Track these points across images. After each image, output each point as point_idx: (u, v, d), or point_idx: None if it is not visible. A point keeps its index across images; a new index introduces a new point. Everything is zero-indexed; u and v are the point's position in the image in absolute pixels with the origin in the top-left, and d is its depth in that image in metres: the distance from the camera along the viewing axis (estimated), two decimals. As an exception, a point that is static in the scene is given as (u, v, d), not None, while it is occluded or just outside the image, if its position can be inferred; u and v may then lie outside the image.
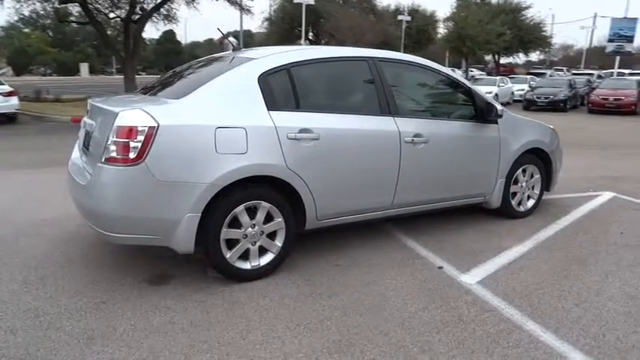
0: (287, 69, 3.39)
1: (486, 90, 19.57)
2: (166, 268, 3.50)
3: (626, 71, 27.23)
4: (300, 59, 3.46)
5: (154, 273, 3.42)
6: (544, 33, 33.75)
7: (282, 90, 3.35)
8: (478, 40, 24.31)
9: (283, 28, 39.42)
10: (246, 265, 3.28)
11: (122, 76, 19.53)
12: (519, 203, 4.74)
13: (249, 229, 3.23)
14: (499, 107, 4.18)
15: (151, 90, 3.87)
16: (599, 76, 25.78)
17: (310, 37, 39.69)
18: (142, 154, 2.86)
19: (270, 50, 3.63)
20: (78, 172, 3.39)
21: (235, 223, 3.18)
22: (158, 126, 2.88)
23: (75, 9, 19.16)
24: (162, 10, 19.60)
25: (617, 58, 26.03)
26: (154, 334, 2.67)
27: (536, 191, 4.85)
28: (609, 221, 4.78)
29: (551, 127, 5.00)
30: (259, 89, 3.25)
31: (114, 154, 2.92)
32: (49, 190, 5.52)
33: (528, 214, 4.82)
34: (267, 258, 3.35)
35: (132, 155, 2.87)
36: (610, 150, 9.73)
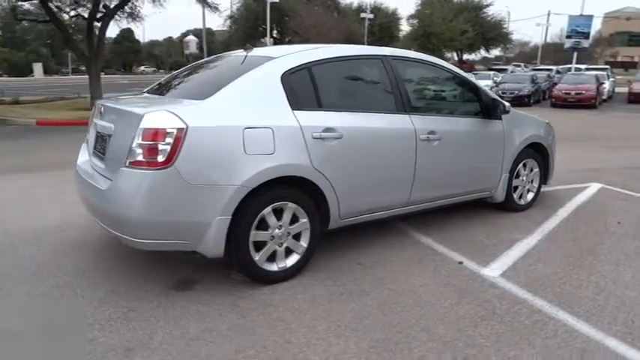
0: (308, 68, 3.36)
1: (453, 86, 19.97)
2: (186, 272, 3.41)
3: (582, 66, 28.37)
4: (319, 58, 3.44)
5: (175, 278, 3.32)
6: (504, 30, 34.79)
7: (304, 89, 3.32)
8: (443, 37, 24.80)
9: (247, 26, 39.03)
10: (274, 267, 3.24)
11: (80, 77, 18.88)
12: (520, 197, 4.87)
13: (276, 230, 3.19)
14: (506, 104, 4.27)
15: (159, 90, 3.76)
16: (558, 72, 26.75)
17: (274, 35, 39.46)
18: (171, 157, 2.77)
19: (286, 49, 3.59)
20: (92, 176, 3.25)
21: (262, 225, 3.13)
22: (187, 127, 2.80)
23: (33, 5, 18.41)
24: (125, 8, 19.07)
25: (575, 54, 27.11)
26: (194, 342, 2.60)
27: (535, 184, 5.00)
28: (604, 212, 4.97)
29: (547, 121, 5.15)
30: (282, 88, 3.21)
31: (140, 158, 2.82)
32: (31, 197, 5.30)
33: (528, 207, 4.96)
34: (293, 259, 3.32)
35: (160, 158, 2.78)
36: (583, 142, 10.10)
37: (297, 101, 3.24)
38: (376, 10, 46.11)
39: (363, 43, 42.26)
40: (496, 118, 4.35)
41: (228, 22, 41.04)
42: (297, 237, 3.32)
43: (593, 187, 5.92)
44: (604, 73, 22.90)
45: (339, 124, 3.35)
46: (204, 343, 2.59)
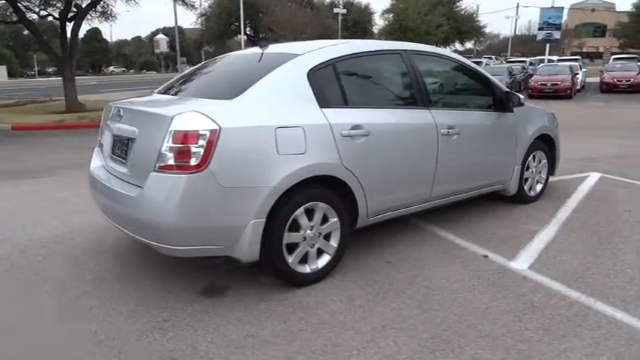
0: (332, 64, 3.29)
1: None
2: (212, 278, 3.31)
3: (554, 58, 28.98)
4: (343, 54, 3.38)
5: (202, 285, 3.22)
6: (477, 23, 35.27)
7: (329, 86, 3.25)
8: (419, 31, 24.97)
9: (220, 24, 38.49)
10: (306, 269, 3.17)
11: (47, 79, 18.36)
12: (530, 188, 4.90)
13: (308, 231, 3.11)
14: (521, 96, 4.28)
15: (171, 91, 3.63)
16: (531, 63, 27.25)
17: (248, 32, 39.03)
18: (205, 159, 2.67)
19: (308, 45, 3.50)
20: (113, 182, 3.11)
21: (295, 227, 3.05)
22: (220, 128, 2.70)
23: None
24: (97, 7, 18.60)
25: (548, 46, 27.66)
26: (240, 349, 2.51)
27: (544, 176, 5.04)
28: (611, 200, 5.05)
29: (552, 112, 5.20)
30: (309, 86, 3.13)
31: (171, 162, 2.70)
32: (26, 205, 5.09)
33: (537, 199, 5.00)
34: (324, 260, 3.25)
35: (193, 161, 2.67)
36: (566, 133, 10.17)
37: (324, 99, 3.16)
38: (349, 5, 46.16)
39: (338, 38, 42.34)
40: (509, 110, 4.36)
41: (200, 19, 40.39)
42: (327, 237, 3.25)
43: (593, 177, 6.02)
44: (577, 64, 23.42)
45: (366, 120, 3.30)
46: (251, 350, 2.51)
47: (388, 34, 26.72)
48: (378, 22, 39.69)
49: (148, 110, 3.01)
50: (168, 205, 2.69)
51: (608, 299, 3.00)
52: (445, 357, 2.44)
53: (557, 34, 26.74)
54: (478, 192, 4.36)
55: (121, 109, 3.15)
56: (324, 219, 3.20)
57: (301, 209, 3.04)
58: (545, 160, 4.98)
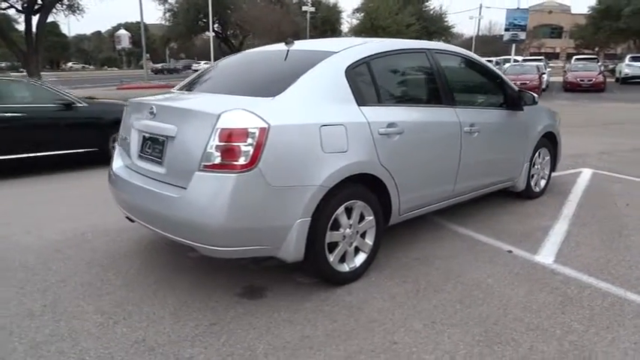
0: (367, 62, 3.29)
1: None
2: (247, 279, 3.26)
3: (519, 58, 29.85)
4: (376, 51, 3.38)
5: (240, 287, 3.16)
6: (446, 23, 35.94)
7: (365, 84, 3.25)
8: (390, 30, 25.22)
9: (187, 20, 37.82)
10: (345, 268, 3.16)
11: (5, 76, 17.86)
12: (535, 184, 5.04)
13: (347, 229, 3.10)
14: (535, 95, 4.40)
15: (199, 88, 3.55)
16: (497, 63, 27.97)
17: (216, 29, 38.52)
18: (254, 158, 2.62)
19: (339, 43, 3.49)
20: (147, 182, 3.01)
21: (335, 225, 3.04)
22: (269, 126, 2.65)
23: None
24: (64, -1, 18.01)
25: (514, 46, 28.47)
26: (299, 350, 2.48)
27: (547, 172, 5.20)
28: (609, 194, 5.26)
29: (553, 110, 5.36)
30: (347, 84, 3.12)
31: (218, 160, 2.64)
32: (27, 207, 4.87)
33: (541, 194, 5.15)
34: (361, 258, 3.26)
35: (243, 160, 2.62)
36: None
37: (361, 97, 3.16)
38: (317, 3, 46.21)
39: (307, 37, 42.28)
40: (520, 109, 4.47)
41: (167, 15, 39.58)
42: (363, 235, 3.26)
43: (586, 173, 6.24)
44: (542, 63, 24.21)
45: (400, 118, 3.31)
46: (310, 351, 2.48)
47: (360, 32, 26.86)
48: (347, 21, 39.89)
49: (189, 108, 2.93)
50: (216, 205, 2.63)
51: (637, 289, 3.12)
52: (503, 350, 2.49)
53: (522, 35, 27.57)
54: (492, 188, 4.46)
55: (154, 107, 3.05)
56: (361, 217, 3.20)
57: (342, 208, 3.03)
58: (548, 157, 5.14)
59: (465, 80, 4.30)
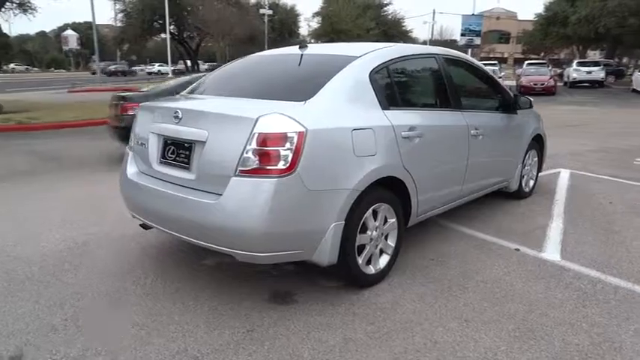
0: (386, 66, 3.35)
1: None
2: (273, 285, 3.24)
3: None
4: (393, 56, 3.45)
5: (267, 292, 3.14)
6: (404, 27, 36.71)
7: (386, 88, 3.30)
8: (351, 34, 25.52)
9: (142, 21, 36.77)
10: (371, 270, 3.20)
11: None
12: (525, 184, 5.25)
13: (374, 232, 3.14)
14: (531, 99, 4.59)
15: (212, 92, 3.50)
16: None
17: (172, 31, 37.62)
18: (294, 162, 2.61)
19: (357, 47, 3.52)
20: (174, 189, 2.94)
21: (363, 228, 3.07)
22: (307, 131, 2.66)
23: None
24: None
25: (470, 51, 29.44)
26: (346, 353, 2.50)
27: (534, 172, 5.42)
28: (591, 193, 5.54)
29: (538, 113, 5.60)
30: (372, 88, 3.16)
31: (255, 165, 2.62)
32: (10, 216, 4.64)
33: (530, 194, 5.36)
34: (385, 260, 3.30)
35: (282, 165, 2.61)
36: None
37: (384, 100, 3.21)
38: (274, 6, 46.17)
39: (264, 40, 42.13)
40: (515, 112, 4.65)
41: (119, 16, 38.31)
42: (386, 237, 3.30)
43: (564, 173, 6.54)
44: (496, 68, 25.15)
45: (418, 122, 3.39)
46: (357, 353, 2.50)
47: (320, 36, 27.04)
48: (307, 24, 40.05)
49: (222, 112, 2.87)
50: (256, 210, 2.60)
51: (643, 282, 3.32)
52: (539, 344, 2.59)
53: (477, 40, 28.61)
54: (492, 189, 4.62)
55: (180, 111, 2.98)
56: (384, 220, 3.24)
57: (370, 211, 3.07)
58: (536, 159, 5.36)
59: (468, 84, 4.43)
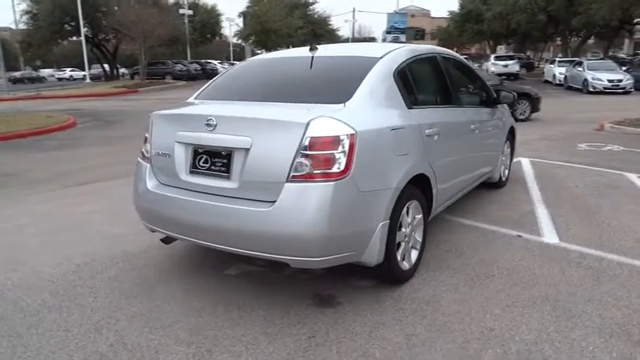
0: (405, 67, 3.42)
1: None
2: (309, 289, 3.22)
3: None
4: (409, 57, 3.53)
5: (308, 297, 3.12)
6: (330, 26, 37.16)
7: (407, 87, 3.38)
8: (282, 33, 25.48)
9: (51, 23, 34.23)
10: (406, 266, 3.27)
11: None
12: (503, 173, 5.57)
13: (408, 229, 3.22)
14: (515, 94, 4.87)
15: (229, 96, 3.41)
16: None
17: (86, 33, 35.45)
18: (348, 165, 2.63)
19: (374, 48, 3.58)
20: (216, 199, 2.83)
21: (399, 226, 3.13)
22: (356, 133, 2.68)
23: None
24: None
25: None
26: (416, 349, 2.55)
27: (508, 162, 5.77)
28: (557, 179, 5.99)
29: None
30: (397, 88, 3.23)
31: (309, 170, 2.60)
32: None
33: (506, 183, 5.70)
34: (415, 255, 3.39)
35: (336, 168, 2.61)
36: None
37: (407, 100, 3.29)
38: (194, 6, 44.94)
39: (187, 41, 40.93)
40: (496, 107, 4.92)
41: (24, 18, 35.44)
42: (414, 233, 3.39)
43: (525, 161, 7.00)
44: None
45: (436, 119, 3.52)
46: (424, 347, 2.57)
47: (249, 35, 26.73)
48: (231, 24, 39.30)
49: (267, 118, 2.80)
50: (314, 215, 2.59)
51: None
52: (583, 321, 2.79)
53: (403, 37, 29.61)
54: (482, 179, 4.85)
55: (214, 118, 2.87)
56: (414, 216, 3.33)
57: (405, 208, 3.14)
58: (509, 149, 5.70)
59: (462, 81, 4.63)
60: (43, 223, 4.71)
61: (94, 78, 38.11)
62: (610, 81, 19.47)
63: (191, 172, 3.00)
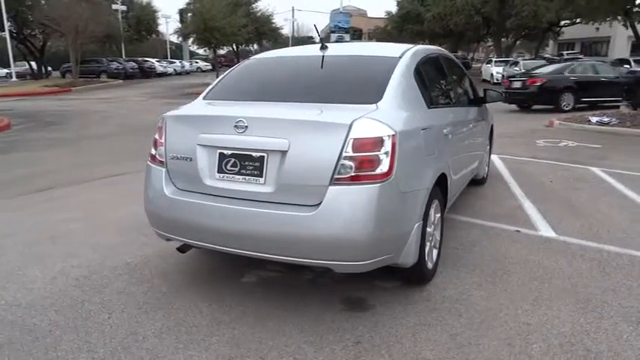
0: (420, 67, 3.43)
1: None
2: (338, 293, 3.16)
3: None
4: (421, 57, 3.55)
5: (338, 301, 3.05)
6: (273, 25, 36.82)
7: (424, 87, 3.38)
8: (225, 31, 24.96)
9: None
10: (430, 265, 3.28)
11: None
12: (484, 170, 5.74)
13: (431, 228, 3.23)
14: (502, 93, 5.02)
15: (243, 97, 3.28)
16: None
17: (10, 28, 32.99)
18: (391, 166, 2.59)
19: (389, 47, 3.56)
20: (253, 205, 2.70)
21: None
22: (396, 133, 2.65)
23: None
24: None
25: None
26: (462, 347, 2.56)
27: (487, 159, 5.95)
28: (530, 174, 6.26)
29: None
30: (417, 88, 3.23)
31: (353, 172, 2.54)
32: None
33: (487, 179, 5.88)
34: (435, 254, 3.40)
35: (381, 169, 2.57)
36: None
37: (426, 99, 3.30)
38: (129, 2, 43.09)
39: (121, 38, 39.13)
40: (481, 106, 5.06)
41: None
42: (433, 232, 3.41)
43: (494, 157, 7.25)
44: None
45: (450, 119, 3.58)
46: (471, 346, 2.58)
47: (192, 33, 25.97)
48: (164, 22, 37.94)
49: (307, 119, 2.69)
50: (363, 217, 2.53)
51: (635, 247, 3.88)
52: (604, 311, 2.91)
53: (347, 37, 29.90)
54: (472, 176, 4.97)
55: (244, 120, 2.73)
56: (434, 215, 3.35)
57: (432, 208, 3.15)
58: (489, 147, 5.89)
59: (459, 80, 4.71)
60: (17, 234, 4.33)
61: (20, 76, 35.57)
62: (545, 80, 20.62)
63: (217, 177, 2.84)
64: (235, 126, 2.75)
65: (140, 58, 39.17)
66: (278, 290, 3.23)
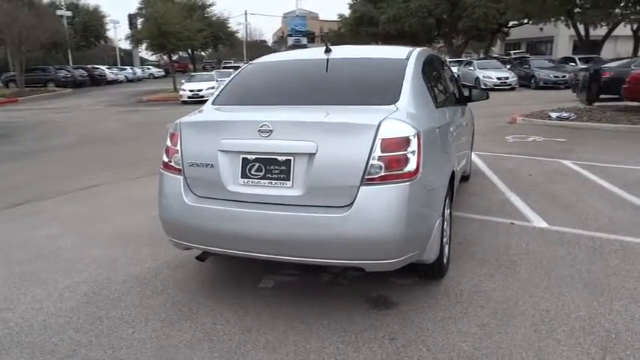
0: (424, 68, 3.52)
1: (208, 85, 20.20)
2: (359, 292, 3.20)
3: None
4: (424, 58, 3.63)
5: (361, 301, 3.09)
6: (229, 29, 36.46)
7: (430, 88, 3.48)
8: (182, 36, 24.50)
9: None
10: (445, 260, 3.37)
11: None
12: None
13: (446, 224, 3.32)
14: (488, 92, 5.21)
15: (256, 100, 3.28)
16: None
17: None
18: (419, 164, 2.66)
19: (393, 50, 3.63)
20: (284, 209, 2.70)
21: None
22: (420, 133, 2.72)
23: None
24: None
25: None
26: (493, 336, 2.66)
27: (470, 156, 6.14)
28: (509, 169, 6.51)
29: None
30: (426, 88, 3.32)
31: (383, 172, 2.59)
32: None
33: (470, 175, 6.07)
34: (446, 249, 3.49)
35: (409, 168, 2.63)
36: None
37: (433, 99, 3.40)
38: (73, 7, 41.66)
39: (68, 44, 37.68)
40: (465, 105, 5.23)
41: None
42: (445, 228, 3.51)
43: (471, 153, 7.48)
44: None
45: (452, 118, 3.69)
46: (502, 334, 2.68)
47: (146, 38, 25.31)
48: (112, 27, 36.84)
49: (334, 121, 2.71)
50: (395, 216, 2.58)
51: (623, 232, 4.11)
52: (613, 294, 3.09)
53: (304, 40, 30.03)
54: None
55: (269, 124, 2.72)
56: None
57: (447, 205, 3.24)
58: (471, 144, 6.08)
59: (450, 80, 4.84)
60: (3, 251, 4.13)
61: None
62: (499, 79, 21.47)
63: (241, 182, 2.82)
64: (259, 130, 2.74)
65: (89, 66, 37.80)
66: (298, 293, 3.23)
